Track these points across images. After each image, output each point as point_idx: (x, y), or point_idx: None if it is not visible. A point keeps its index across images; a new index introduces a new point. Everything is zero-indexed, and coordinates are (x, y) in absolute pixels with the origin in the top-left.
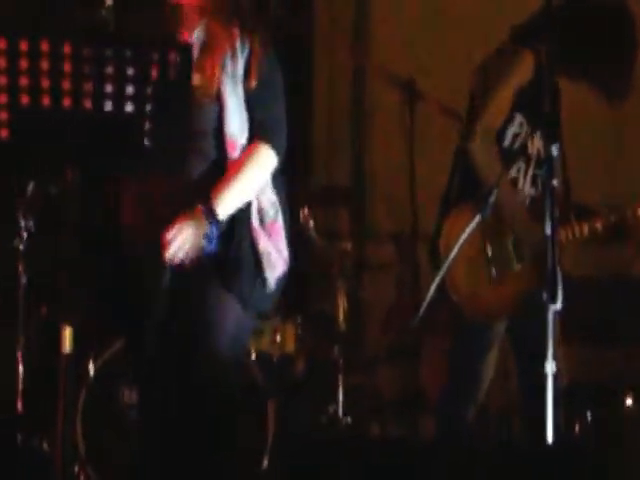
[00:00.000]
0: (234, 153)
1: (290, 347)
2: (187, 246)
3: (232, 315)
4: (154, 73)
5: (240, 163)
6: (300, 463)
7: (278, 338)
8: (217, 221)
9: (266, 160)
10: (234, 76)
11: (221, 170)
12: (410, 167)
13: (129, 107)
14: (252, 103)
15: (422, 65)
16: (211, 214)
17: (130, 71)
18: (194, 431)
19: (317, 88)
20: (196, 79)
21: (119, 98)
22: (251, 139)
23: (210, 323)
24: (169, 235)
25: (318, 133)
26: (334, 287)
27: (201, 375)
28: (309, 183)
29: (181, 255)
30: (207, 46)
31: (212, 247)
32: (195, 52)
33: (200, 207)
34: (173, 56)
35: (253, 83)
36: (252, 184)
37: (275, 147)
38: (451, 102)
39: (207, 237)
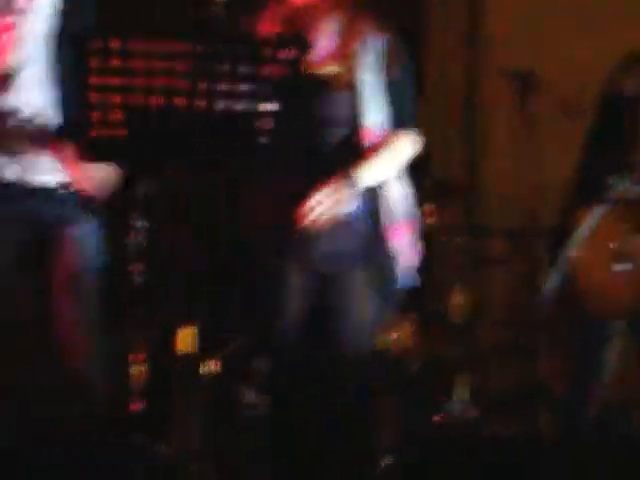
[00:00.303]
0: (373, 141)
1: (407, 343)
2: (327, 210)
3: (366, 310)
4: (269, 70)
5: (382, 144)
6: (417, 461)
7: (395, 334)
8: (356, 187)
9: (407, 146)
10: (370, 65)
11: (356, 158)
12: (527, 162)
13: (243, 105)
14: (391, 91)
15: (538, 59)
16: (350, 180)
17: (244, 68)
18: (328, 429)
19: (430, 79)
20: (332, 69)
21: (234, 96)
22: (390, 127)
23: (349, 320)
24: (308, 202)
25: (431, 125)
26: (450, 283)
27: (342, 373)
28: (426, 177)
29: (319, 220)
30: (342, 36)
31: (354, 212)
32: (330, 42)
33: (338, 176)
34: (287, 52)
35: (392, 71)
36: (392, 164)
37: (415, 134)
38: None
39: (346, 203)
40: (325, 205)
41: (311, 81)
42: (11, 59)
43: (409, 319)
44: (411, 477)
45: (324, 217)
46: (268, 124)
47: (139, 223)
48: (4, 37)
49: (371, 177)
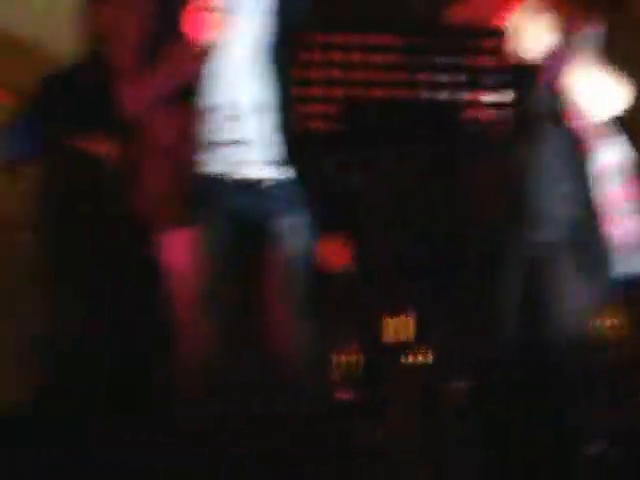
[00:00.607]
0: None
1: (620, 332)
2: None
3: (577, 296)
4: (473, 60)
5: None
6: (624, 453)
7: (609, 322)
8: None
9: (620, 91)
10: (585, 54)
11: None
12: None
13: (446, 94)
14: (605, 80)
15: None
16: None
17: (446, 59)
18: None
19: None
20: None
21: (437, 86)
22: None
23: (560, 306)
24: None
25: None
26: None
27: (554, 360)
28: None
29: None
30: (556, 25)
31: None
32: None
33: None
34: (497, 42)
35: (606, 60)
36: (598, 87)
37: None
38: None
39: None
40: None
41: (523, 70)
42: (216, 37)
43: (621, 307)
44: (619, 469)
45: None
46: (479, 114)
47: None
48: (212, 16)
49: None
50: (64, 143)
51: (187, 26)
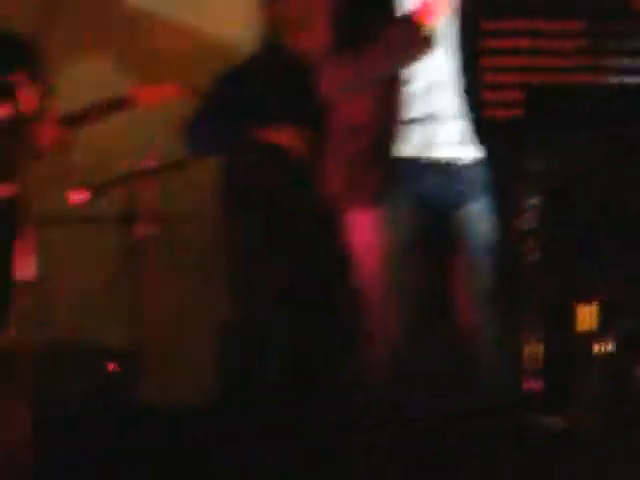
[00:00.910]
0: None
1: None
2: None
3: None
4: None
5: None
6: None
7: None
8: None
9: None
10: None
11: None
12: None
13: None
14: None
15: None
16: None
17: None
18: None
19: None
20: None
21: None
22: None
23: None
24: None
25: None
26: None
27: None
28: None
29: None
30: None
31: None
32: None
33: None
34: None
35: None
36: None
37: None
38: None
39: None
40: None
41: None
42: (441, 21)
43: None
44: None
45: None
46: None
47: (532, 200)
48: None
49: None
50: (250, 137)
51: (418, 10)
